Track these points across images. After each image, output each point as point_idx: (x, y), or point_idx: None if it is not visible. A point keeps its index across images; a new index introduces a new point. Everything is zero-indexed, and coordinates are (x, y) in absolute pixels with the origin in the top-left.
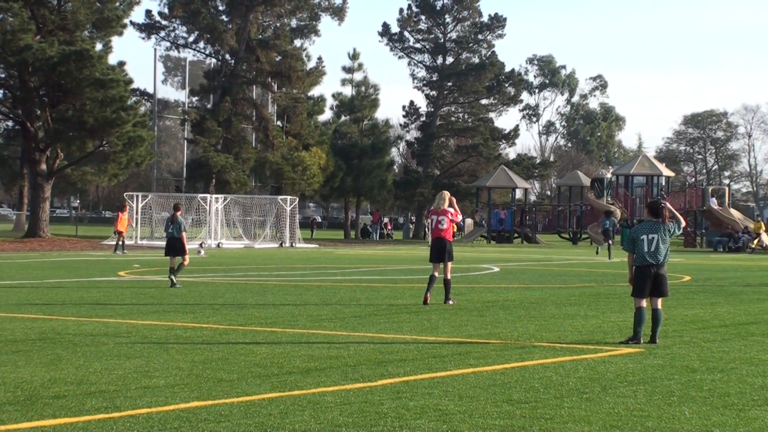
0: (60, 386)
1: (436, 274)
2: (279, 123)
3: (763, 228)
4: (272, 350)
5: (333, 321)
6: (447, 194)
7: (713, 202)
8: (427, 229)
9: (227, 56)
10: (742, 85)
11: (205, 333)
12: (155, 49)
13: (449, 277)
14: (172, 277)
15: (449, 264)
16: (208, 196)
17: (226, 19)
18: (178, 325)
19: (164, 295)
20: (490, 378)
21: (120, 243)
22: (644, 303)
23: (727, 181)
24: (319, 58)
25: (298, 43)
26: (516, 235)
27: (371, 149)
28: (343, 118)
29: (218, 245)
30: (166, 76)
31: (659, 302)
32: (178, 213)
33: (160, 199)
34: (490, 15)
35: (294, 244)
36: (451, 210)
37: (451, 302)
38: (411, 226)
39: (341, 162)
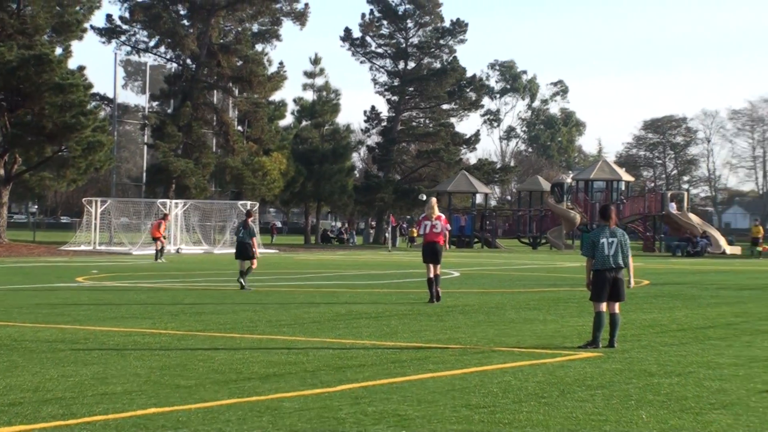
0: (16, 393)
1: (431, 274)
2: (240, 128)
3: (762, 233)
4: (231, 356)
5: (292, 326)
6: (436, 201)
7: (672, 207)
8: (392, 233)
9: (188, 61)
10: (701, 91)
11: (164, 339)
12: (116, 54)
13: (439, 272)
14: (242, 281)
15: (438, 266)
16: (167, 201)
17: (187, 23)
18: (136, 331)
19: (122, 301)
20: (449, 383)
21: (158, 250)
22: (603, 307)
23: (686, 186)
24: (281, 63)
25: (259, 47)
26: (476, 239)
27: (332, 154)
28: (304, 122)
29: (177, 251)
30: (126, 80)
31: (617, 306)
32: (250, 219)
33: (119, 204)
34: (452, 20)
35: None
36: (443, 216)
37: (436, 301)
38: (371, 231)
39: (302, 167)
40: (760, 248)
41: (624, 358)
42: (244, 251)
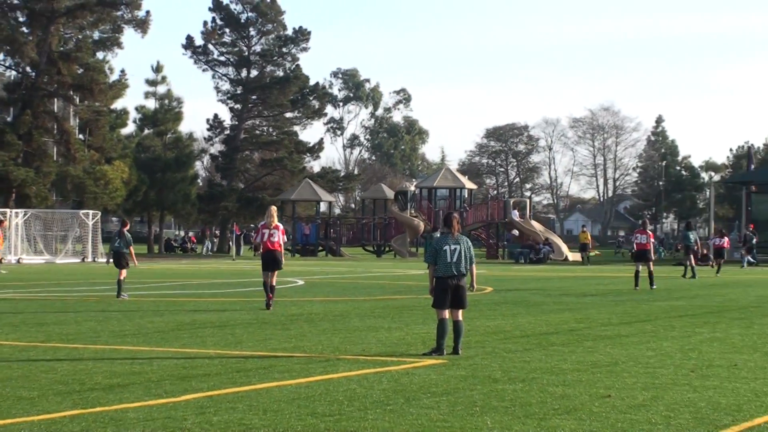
0: None
1: (269, 281)
2: (81, 136)
3: (589, 239)
4: (74, 367)
5: (136, 336)
6: (275, 210)
7: (515, 214)
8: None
9: (28, 68)
10: (542, 99)
11: (4, 350)
12: None
13: (275, 283)
14: (120, 291)
15: (276, 272)
16: (7, 210)
17: (26, 30)
18: None
19: None
20: (295, 391)
21: None
22: (446, 314)
23: (528, 194)
24: (122, 71)
25: (100, 55)
26: (320, 248)
27: (175, 163)
28: (146, 131)
29: (18, 261)
30: None
31: (460, 314)
32: (125, 228)
33: None
34: (294, 28)
35: (96, 259)
36: (281, 226)
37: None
38: (215, 240)
39: (144, 176)
40: (592, 253)
41: (468, 365)
42: (120, 261)
